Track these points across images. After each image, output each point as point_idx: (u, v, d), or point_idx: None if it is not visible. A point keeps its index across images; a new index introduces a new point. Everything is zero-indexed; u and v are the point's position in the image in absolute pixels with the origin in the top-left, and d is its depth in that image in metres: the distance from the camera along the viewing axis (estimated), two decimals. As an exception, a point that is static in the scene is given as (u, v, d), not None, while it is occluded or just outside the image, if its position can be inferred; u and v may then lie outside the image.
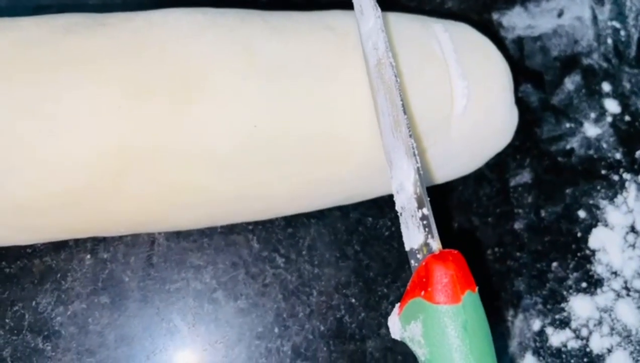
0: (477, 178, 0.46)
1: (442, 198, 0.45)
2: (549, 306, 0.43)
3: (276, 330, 0.40)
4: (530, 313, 0.43)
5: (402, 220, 0.32)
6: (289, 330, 0.40)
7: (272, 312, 0.40)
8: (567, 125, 0.48)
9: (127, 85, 0.32)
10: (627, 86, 0.50)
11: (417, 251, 0.31)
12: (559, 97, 0.49)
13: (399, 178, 0.32)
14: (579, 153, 0.48)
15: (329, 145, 0.35)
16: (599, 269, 0.45)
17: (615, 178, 0.47)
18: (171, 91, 0.32)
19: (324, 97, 0.34)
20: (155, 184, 0.33)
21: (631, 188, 0.47)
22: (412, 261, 0.31)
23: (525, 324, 0.43)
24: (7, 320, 0.38)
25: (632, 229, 0.46)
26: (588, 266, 0.45)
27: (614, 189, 0.47)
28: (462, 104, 0.37)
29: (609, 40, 0.51)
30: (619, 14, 0.52)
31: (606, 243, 0.45)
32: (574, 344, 0.43)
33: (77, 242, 0.40)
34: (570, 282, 0.44)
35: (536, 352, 0.42)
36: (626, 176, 0.47)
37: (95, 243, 0.40)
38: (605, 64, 0.50)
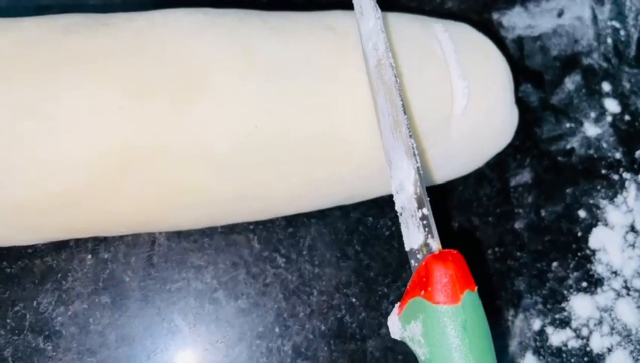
0: (477, 177, 0.46)
1: (442, 198, 0.45)
2: (549, 306, 0.43)
3: (277, 329, 0.40)
4: (530, 312, 0.43)
5: (402, 220, 0.32)
6: (290, 329, 0.40)
7: (272, 312, 0.40)
8: (567, 125, 0.48)
9: (127, 85, 0.32)
10: (627, 85, 0.50)
11: (417, 251, 0.31)
12: (559, 97, 0.49)
13: (399, 178, 0.32)
14: (579, 152, 0.48)
15: (329, 145, 0.35)
16: (599, 269, 0.45)
17: (615, 177, 0.47)
18: (172, 91, 0.32)
19: (324, 97, 0.34)
20: (156, 184, 0.33)
21: (631, 187, 0.47)
22: (412, 261, 0.31)
23: (526, 324, 0.43)
24: (8, 320, 0.38)
25: (632, 228, 0.46)
26: (588, 265, 0.45)
27: (614, 189, 0.47)
28: (462, 104, 0.37)
29: (609, 40, 0.51)
30: (619, 14, 0.52)
31: (606, 243, 0.45)
32: (574, 344, 0.43)
33: (78, 242, 0.40)
34: (570, 282, 0.44)
35: (536, 352, 0.42)
36: (626, 175, 0.47)
37: (96, 243, 0.40)
38: (605, 64, 0.50)
